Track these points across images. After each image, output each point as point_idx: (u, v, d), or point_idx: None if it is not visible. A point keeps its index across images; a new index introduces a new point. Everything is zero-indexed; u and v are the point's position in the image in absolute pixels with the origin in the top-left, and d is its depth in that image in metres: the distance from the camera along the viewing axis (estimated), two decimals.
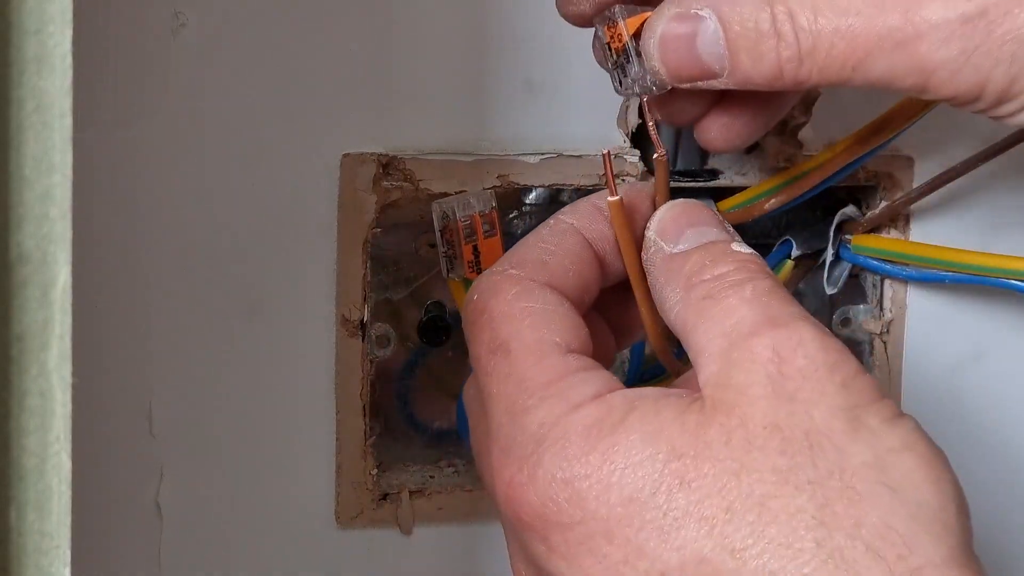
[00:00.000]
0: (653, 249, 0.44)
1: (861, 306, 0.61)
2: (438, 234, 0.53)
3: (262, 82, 0.52)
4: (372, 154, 0.53)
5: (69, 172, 0.32)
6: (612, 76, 0.46)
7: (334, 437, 0.55)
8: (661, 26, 0.43)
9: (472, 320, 0.43)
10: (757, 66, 0.42)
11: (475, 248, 0.53)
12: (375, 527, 0.56)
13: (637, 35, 0.45)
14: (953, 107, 0.43)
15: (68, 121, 0.32)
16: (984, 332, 0.61)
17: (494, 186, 0.54)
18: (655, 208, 0.45)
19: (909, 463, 0.38)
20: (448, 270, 0.53)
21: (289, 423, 0.55)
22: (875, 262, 0.58)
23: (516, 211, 0.57)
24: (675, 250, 0.43)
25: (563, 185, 0.55)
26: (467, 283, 0.53)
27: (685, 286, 0.42)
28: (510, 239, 0.56)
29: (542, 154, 0.55)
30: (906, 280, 0.59)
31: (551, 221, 0.45)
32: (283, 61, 0.52)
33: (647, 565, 0.38)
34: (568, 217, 0.45)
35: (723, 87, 0.44)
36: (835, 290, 0.60)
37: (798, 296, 0.60)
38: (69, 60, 0.32)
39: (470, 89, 0.54)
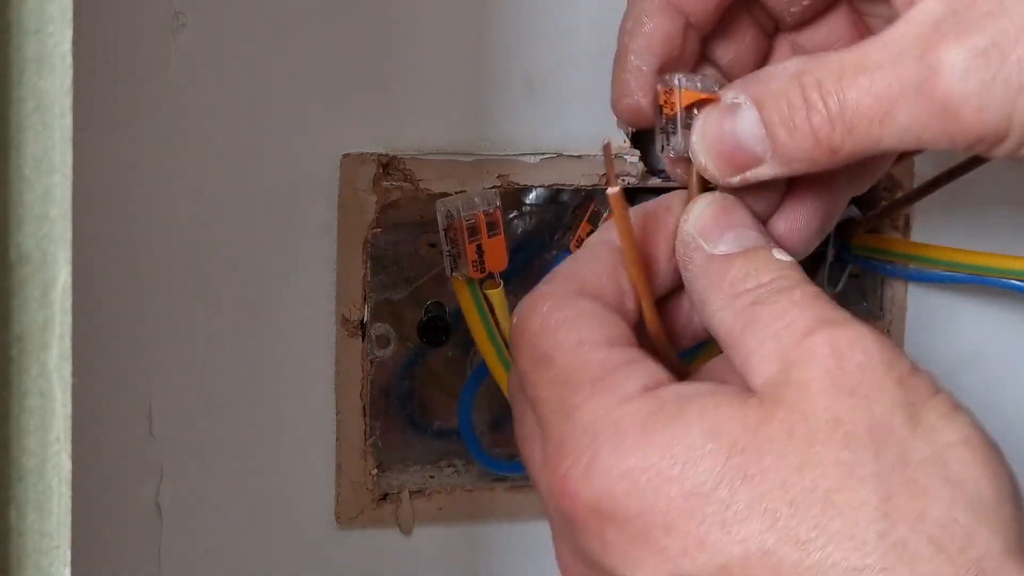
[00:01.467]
0: (692, 246, 0.45)
1: (861, 306, 0.61)
2: (442, 233, 0.53)
3: (262, 82, 0.52)
4: (372, 154, 0.53)
5: (69, 172, 0.32)
6: (657, 136, 0.47)
7: (334, 437, 0.55)
8: (701, 120, 0.45)
9: (514, 341, 0.44)
10: (794, 139, 0.43)
11: (479, 247, 0.53)
12: (375, 527, 0.56)
13: (689, 108, 0.46)
14: (983, 156, 0.43)
15: (68, 121, 0.32)
16: (984, 332, 0.61)
17: (494, 186, 0.54)
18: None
19: (967, 458, 0.39)
20: (452, 269, 0.53)
21: (289, 423, 0.55)
22: (875, 262, 0.58)
23: (516, 211, 0.57)
24: (716, 251, 0.44)
25: (563, 185, 0.55)
26: (471, 282, 0.53)
27: (730, 292, 0.43)
28: (510, 239, 0.56)
29: (542, 154, 0.55)
30: (906, 280, 0.59)
31: (587, 240, 0.47)
32: (283, 61, 0.52)
33: (707, 557, 0.38)
34: (596, 235, 0.47)
35: (771, 174, 0.44)
36: (835, 290, 0.60)
37: None
38: (69, 60, 0.32)
39: (470, 89, 0.54)
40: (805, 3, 0.49)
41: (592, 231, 0.55)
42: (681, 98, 0.46)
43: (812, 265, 0.59)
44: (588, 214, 0.56)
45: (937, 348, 0.61)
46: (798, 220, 0.49)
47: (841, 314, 0.41)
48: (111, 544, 0.54)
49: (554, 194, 0.57)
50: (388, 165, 0.54)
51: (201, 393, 0.54)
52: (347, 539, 0.56)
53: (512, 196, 0.56)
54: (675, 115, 0.46)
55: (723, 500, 0.38)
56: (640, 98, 0.48)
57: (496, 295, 0.54)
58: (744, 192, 0.47)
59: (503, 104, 0.55)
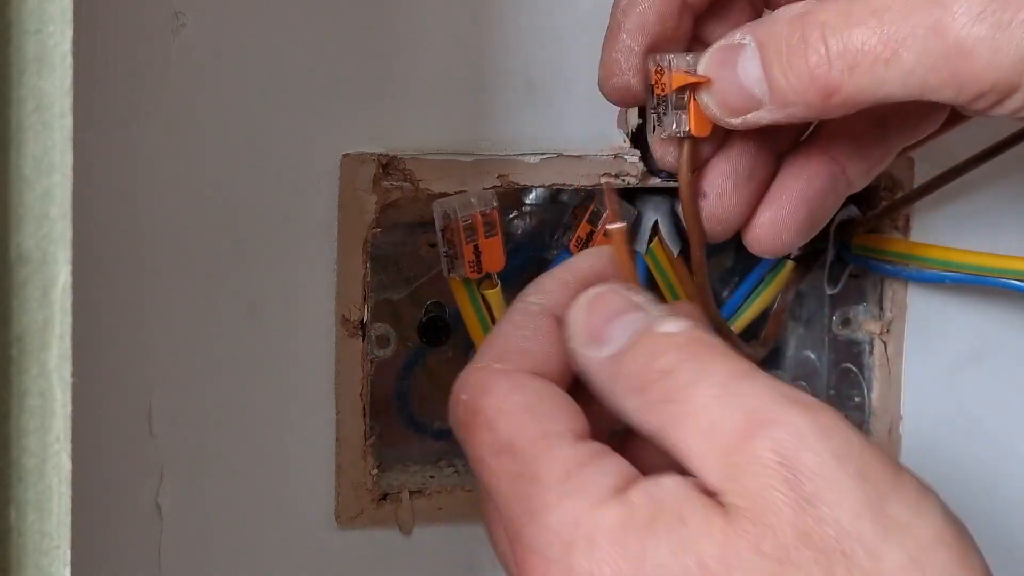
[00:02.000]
0: (583, 360, 0.42)
1: (861, 306, 0.61)
2: (439, 233, 0.53)
3: (262, 82, 0.52)
4: (372, 154, 0.53)
5: (69, 172, 0.32)
6: (648, 116, 0.48)
7: (334, 437, 0.55)
8: (708, 55, 0.45)
9: (466, 422, 0.42)
10: (788, 79, 0.43)
11: (476, 247, 0.53)
12: (375, 527, 0.56)
13: (681, 90, 0.46)
14: (985, 113, 0.42)
15: (68, 121, 0.32)
16: (984, 332, 0.61)
17: (494, 186, 0.54)
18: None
19: (942, 558, 0.37)
20: (449, 269, 0.53)
21: (289, 423, 0.55)
22: (875, 262, 0.58)
23: (516, 211, 0.57)
24: (605, 355, 0.42)
25: (563, 185, 0.55)
26: (467, 282, 0.53)
27: (637, 391, 0.40)
28: (510, 239, 0.56)
29: (542, 154, 0.55)
30: (906, 280, 0.59)
31: (519, 305, 0.44)
32: (283, 61, 0.52)
33: None
34: (536, 298, 0.44)
35: (769, 118, 0.44)
36: (835, 290, 0.60)
37: (798, 296, 0.60)
38: (69, 60, 0.32)
39: (470, 89, 0.54)
40: None
41: (592, 231, 0.55)
42: (673, 80, 0.46)
43: (812, 265, 0.59)
44: (588, 214, 0.56)
45: (937, 348, 0.61)
46: (783, 209, 0.49)
47: (765, 399, 0.39)
48: (111, 544, 0.54)
49: (554, 194, 0.57)
50: (388, 165, 0.54)
51: (201, 393, 0.54)
52: (347, 539, 0.56)
53: (512, 196, 0.56)
54: (667, 96, 0.46)
55: None
56: (630, 78, 0.47)
57: (493, 295, 0.54)
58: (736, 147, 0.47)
59: (503, 104, 0.55)
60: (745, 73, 0.44)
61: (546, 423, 0.41)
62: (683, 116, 0.47)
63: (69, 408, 0.33)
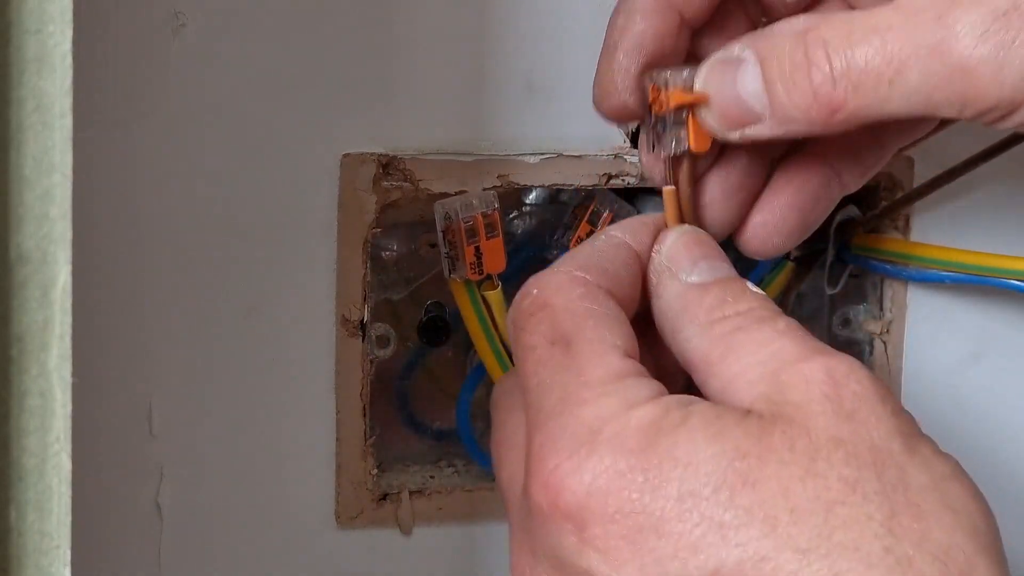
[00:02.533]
0: (665, 276, 0.45)
1: (861, 306, 0.61)
2: (440, 235, 0.53)
3: (262, 82, 0.52)
4: (372, 154, 0.53)
5: (69, 172, 0.32)
6: (647, 135, 0.47)
7: (334, 437, 0.55)
8: (707, 67, 0.45)
9: (530, 312, 0.43)
10: (791, 96, 0.43)
11: (477, 249, 0.53)
12: (375, 527, 0.56)
13: (679, 109, 0.46)
14: (991, 125, 0.42)
15: (68, 121, 0.32)
16: (984, 332, 0.61)
17: (494, 186, 0.54)
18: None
19: (962, 491, 0.39)
20: (450, 271, 0.53)
21: (289, 423, 0.55)
22: (875, 262, 0.58)
23: (516, 211, 0.57)
24: (690, 280, 0.44)
25: (563, 185, 0.55)
26: (468, 284, 0.53)
27: (706, 319, 0.43)
28: (510, 239, 0.56)
29: (542, 154, 0.55)
30: (906, 280, 0.59)
31: (603, 235, 0.46)
32: (283, 61, 0.52)
33: (700, 561, 0.38)
34: (619, 232, 0.46)
35: (769, 134, 0.44)
36: (835, 290, 0.60)
37: (798, 296, 0.60)
38: (69, 60, 0.32)
39: (470, 89, 0.54)
40: None
41: (592, 231, 0.55)
42: (671, 98, 0.46)
43: (812, 265, 0.59)
44: (588, 214, 0.56)
45: (937, 348, 0.61)
46: (775, 213, 0.49)
47: (827, 346, 0.41)
48: (111, 544, 0.54)
49: (554, 194, 0.57)
50: (388, 165, 0.54)
51: (201, 393, 0.54)
52: (347, 539, 0.56)
53: (512, 196, 0.56)
54: (664, 114, 0.46)
55: (722, 503, 0.38)
56: (627, 97, 0.47)
57: (494, 296, 0.54)
58: (726, 178, 0.47)
59: (503, 104, 0.55)
60: (745, 87, 0.44)
61: (605, 332, 0.42)
62: (683, 133, 0.46)
63: (69, 408, 0.33)
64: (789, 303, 0.60)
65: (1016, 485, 0.62)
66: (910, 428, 0.40)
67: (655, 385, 0.41)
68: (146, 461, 0.54)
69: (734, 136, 0.45)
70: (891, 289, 0.60)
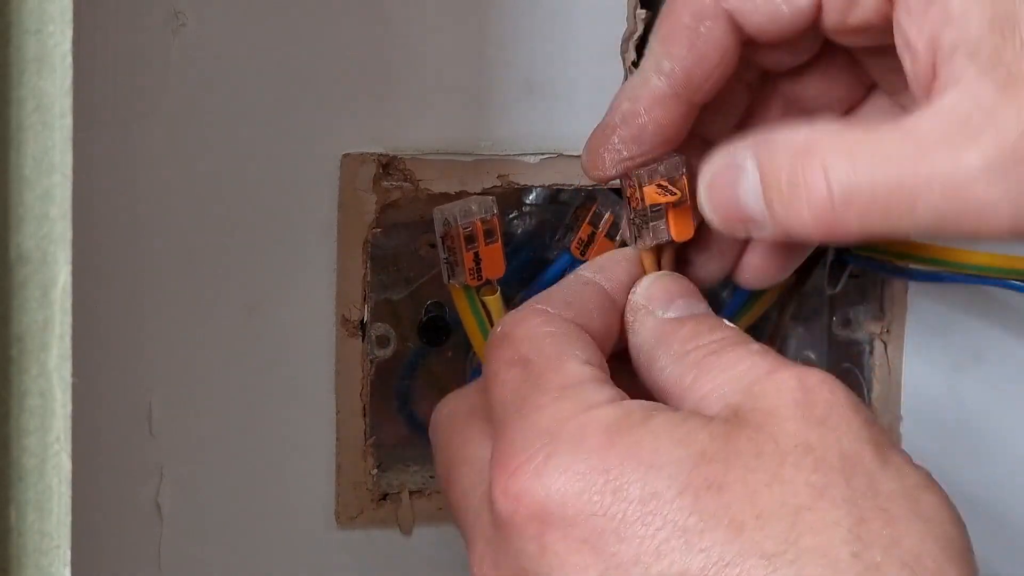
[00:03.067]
0: (642, 313, 0.45)
1: (861, 306, 0.61)
2: (439, 240, 0.53)
3: (262, 82, 0.52)
4: (372, 154, 0.53)
5: (69, 172, 0.32)
6: (628, 226, 0.48)
7: (334, 437, 0.55)
8: (709, 174, 0.44)
9: (494, 345, 0.44)
10: (790, 217, 0.42)
11: (476, 255, 0.53)
12: (375, 527, 0.56)
13: (655, 206, 0.46)
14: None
15: (68, 121, 0.32)
16: (984, 332, 0.61)
17: (494, 186, 0.54)
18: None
19: (934, 500, 0.39)
20: (449, 276, 0.53)
21: (289, 423, 0.55)
22: (875, 262, 0.58)
23: (516, 211, 0.57)
24: (667, 315, 0.44)
25: (563, 185, 0.55)
26: (467, 289, 0.53)
27: (680, 349, 0.42)
28: (510, 240, 0.56)
29: (542, 154, 0.55)
30: (906, 280, 0.59)
31: (571, 275, 0.47)
32: (283, 61, 0.52)
33: (663, 566, 0.37)
34: (587, 271, 0.46)
35: (771, 237, 0.43)
36: (835, 290, 0.60)
37: (798, 296, 0.60)
38: (69, 60, 0.32)
39: (470, 89, 0.54)
40: (799, 53, 0.47)
41: (593, 232, 0.55)
42: (645, 196, 0.46)
43: (812, 265, 0.59)
44: (590, 215, 0.56)
45: (937, 348, 0.61)
46: (766, 257, 0.49)
47: (803, 364, 0.41)
48: (111, 544, 0.54)
49: (554, 194, 0.57)
50: (388, 165, 0.54)
51: (201, 393, 0.54)
52: (347, 539, 0.56)
53: (512, 196, 0.56)
54: (642, 208, 0.47)
55: (686, 508, 0.37)
56: (615, 174, 0.47)
57: (493, 301, 0.54)
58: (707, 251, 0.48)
59: (503, 104, 0.55)
60: (747, 195, 0.43)
61: (564, 346, 0.42)
62: (661, 226, 0.47)
63: (69, 408, 0.33)
64: (790, 304, 0.60)
65: (1016, 484, 0.62)
66: (882, 438, 0.39)
67: (616, 390, 0.41)
68: (146, 461, 0.54)
69: (739, 235, 0.44)
70: (891, 289, 0.60)
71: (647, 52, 0.47)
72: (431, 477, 0.57)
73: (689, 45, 0.45)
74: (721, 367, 0.41)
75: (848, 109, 0.49)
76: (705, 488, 0.38)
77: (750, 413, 0.39)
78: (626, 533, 0.38)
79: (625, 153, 0.47)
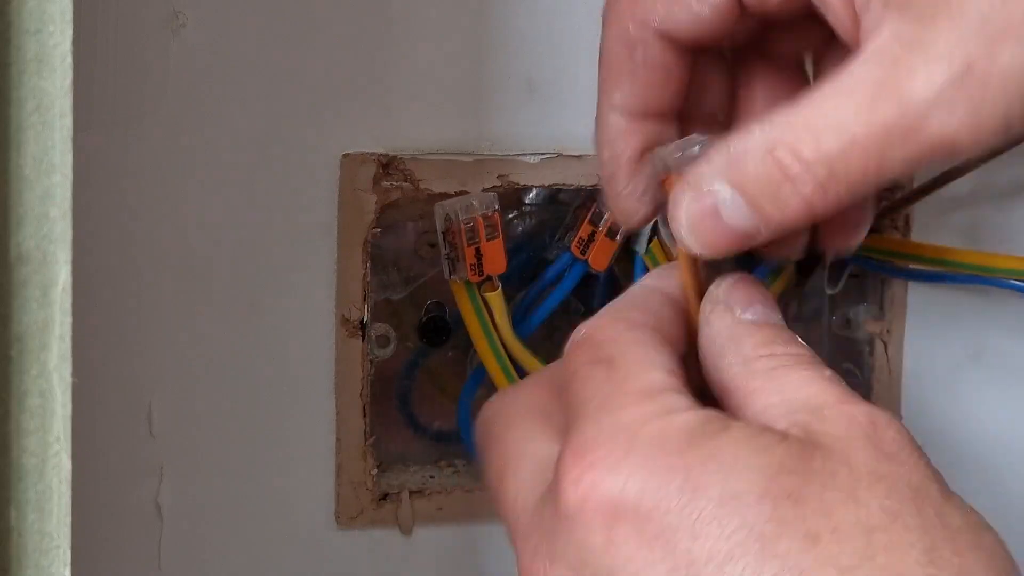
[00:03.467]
0: (720, 308, 0.44)
1: (861, 306, 0.61)
2: (440, 236, 0.53)
3: (262, 82, 0.52)
4: (372, 154, 0.53)
5: (69, 172, 0.32)
6: (661, 219, 0.47)
7: (334, 437, 0.55)
8: (683, 213, 0.44)
9: (576, 345, 0.43)
10: (785, 211, 0.42)
11: (477, 251, 0.53)
12: (375, 527, 0.56)
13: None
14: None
15: (68, 121, 0.32)
16: (984, 332, 0.61)
17: (494, 186, 0.54)
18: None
19: (993, 538, 0.39)
20: (450, 272, 0.53)
21: (289, 423, 0.55)
22: (875, 262, 0.58)
23: (516, 211, 0.57)
24: (744, 316, 0.44)
25: (563, 185, 0.55)
26: (469, 286, 0.53)
27: (753, 353, 0.42)
28: (510, 239, 0.56)
29: (542, 154, 0.55)
30: (906, 280, 0.59)
31: (636, 285, 0.46)
32: (283, 61, 0.52)
33: (736, 569, 0.37)
34: (651, 280, 0.46)
35: (768, 239, 0.43)
36: (835, 290, 0.60)
37: (798, 296, 0.60)
38: (69, 60, 0.32)
39: (470, 89, 0.54)
40: (746, 32, 0.48)
41: (594, 232, 0.55)
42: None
43: (812, 265, 0.59)
44: (590, 214, 0.56)
45: (937, 348, 0.61)
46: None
47: (869, 402, 0.41)
48: (111, 544, 0.54)
49: (554, 194, 0.57)
50: (388, 165, 0.54)
51: (201, 393, 0.54)
52: (347, 539, 0.56)
53: (512, 196, 0.56)
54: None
55: (764, 513, 0.37)
56: (649, 212, 0.48)
57: (494, 298, 0.54)
58: None
59: (503, 104, 0.55)
60: (734, 218, 0.43)
61: (649, 353, 0.42)
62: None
63: (69, 408, 0.33)
64: (791, 304, 0.60)
65: (1016, 484, 0.62)
66: (942, 479, 0.40)
67: (692, 400, 0.41)
68: (146, 461, 0.54)
69: (737, 252, 0.44)
70: (891, 289, 0.60)
71: (599, 86, 0.47)
72: (431, 477, 0.57)
73: (631, 75, 0.46)
74: (792, 383, 0.41)
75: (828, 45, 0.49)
76: (784, 497, 0.38)
77: (821, 436, 0.39)
78: (701, 531, 0.38)
79: (641, 187, 0.47)
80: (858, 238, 0.49)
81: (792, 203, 0.42)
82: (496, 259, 0.53)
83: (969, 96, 0.40)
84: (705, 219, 0.43)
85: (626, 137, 0.46)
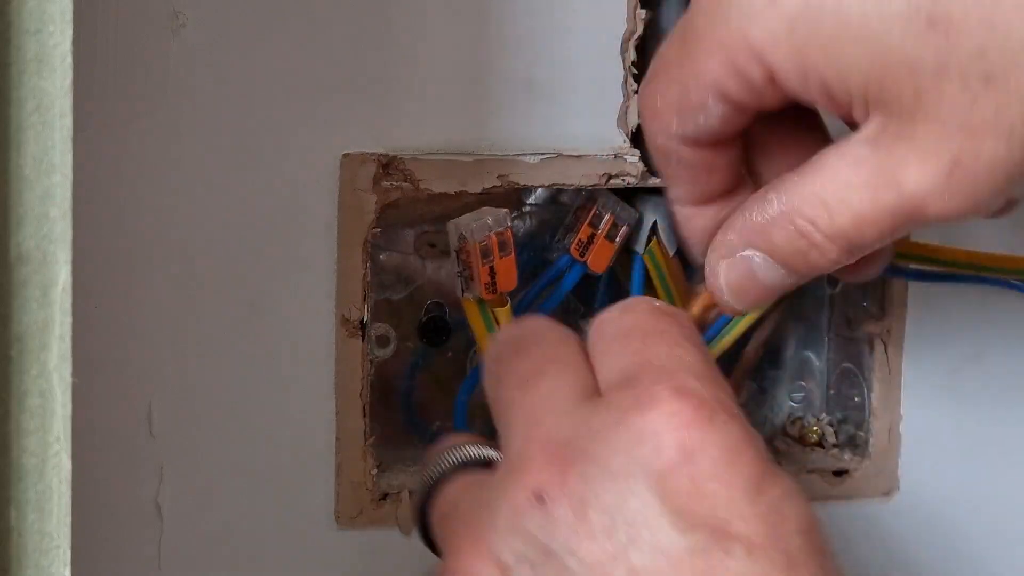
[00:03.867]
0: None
1: (861, 306, 0.61)
2: (454, 254, 0.53)
3: (262, 82, 0.52)
4: (372, 154, 0.53)
5: (69, 172, 0.32)
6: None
7: (334, 437, 0.55)
8: (723, 280, 0.48)
9: (628, 307, 0.46)
10: (816, 268, 0.46)
11: (491, 269, 0.53)
12: (375, 527, 0.56)
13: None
14: None
15: (68, 121, 0.32)
16: (984, 332, 0.61)
17: (494, 186, 0.54)
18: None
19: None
20: (463, 290, 0.53)
21: (289, 423, 0.55)
22: None
23: (516, 211, 0.57)
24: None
25: (563, 185, 0.55)
26: (481, 303, 0.53)
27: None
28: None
29: (542, 154, 0.55)
30: (906, 280, 0.59)
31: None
32: (283, 61, 0.52)
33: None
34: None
35: (807, 279, 0.47)
36: (835, 290, 0.60)
37: (798, 296, 0.60)
38: (69, 60, 0.32)
39: (470, 89, 0.54)
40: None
41: (593, 234, 0.55)
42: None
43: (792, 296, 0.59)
44: (590, 216, 0.56)
45: (937, 348, 0.61)
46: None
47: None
48: (111, 544, 0.54)
49: (554, 194, 0.57)
50: (388, 165, 0.54)
51: (201, 393, 0.54)
52: (347, 539, 0.56)
53: (512, 196, 0.56)
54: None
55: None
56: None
57: (503, 313, 0.54)
58: None
59: (503, 104, 0.55)
60: (770, 278, 0.47)
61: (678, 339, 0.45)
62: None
63: (69, 408, 0.33)
64: (790, 304, 0.60)
65: (1016, 484, 0.62)
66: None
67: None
68: (146, 461, 0.54)
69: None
70: (891, 289, 0.60)
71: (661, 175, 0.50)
72: None
73: (676, 178, 0.49)
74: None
75: None
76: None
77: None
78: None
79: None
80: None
81: (822, 263, 0.45)
82: (509, 275, 0.53)
83: (960, 187, 0.42)
84: (743, 282, 0.47)
85: (694, 222, 0.49)
